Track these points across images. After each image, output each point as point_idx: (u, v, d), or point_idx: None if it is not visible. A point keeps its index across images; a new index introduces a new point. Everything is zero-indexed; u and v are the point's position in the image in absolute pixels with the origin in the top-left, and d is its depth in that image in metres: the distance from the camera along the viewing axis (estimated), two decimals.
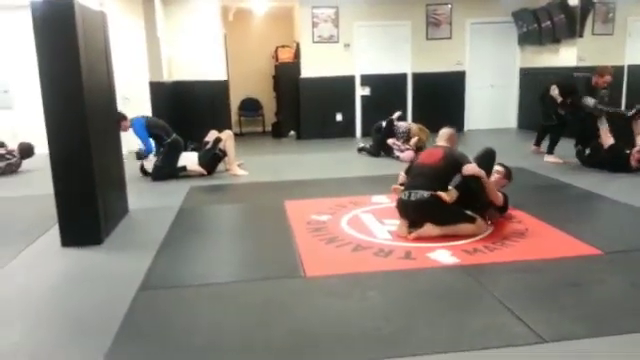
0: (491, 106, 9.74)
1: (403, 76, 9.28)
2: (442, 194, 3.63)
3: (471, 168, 3.72)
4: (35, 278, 3.26)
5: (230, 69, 9.10)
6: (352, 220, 4.18)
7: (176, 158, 6.04)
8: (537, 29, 8.83)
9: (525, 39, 9.28)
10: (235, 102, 9.90)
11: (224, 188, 5.68)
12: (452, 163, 3.79)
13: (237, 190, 5.58)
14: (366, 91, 9.18)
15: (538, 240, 3.64)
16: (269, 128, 10.23)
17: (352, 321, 2.55)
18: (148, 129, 5.93)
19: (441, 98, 9.14)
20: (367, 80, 9.16)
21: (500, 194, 3.98)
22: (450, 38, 9.28)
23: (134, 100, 7.81)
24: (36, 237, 3.96)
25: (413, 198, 3.73)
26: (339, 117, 9.18)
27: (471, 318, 2.54)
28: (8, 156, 6.59)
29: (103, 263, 3.49)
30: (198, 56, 8.51)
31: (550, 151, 6.46)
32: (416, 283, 3.00)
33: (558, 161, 6.29)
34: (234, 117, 9.82)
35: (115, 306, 2.76)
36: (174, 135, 6.09)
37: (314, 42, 8.95)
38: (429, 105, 8.97)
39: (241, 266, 3.47)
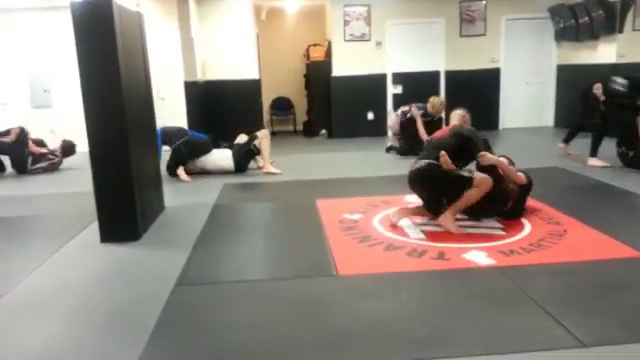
0: (527, 104, 9.53)
1: (436, 74, 9.18)
2: (445, 159, 3.73)
3: (488, 158, 3.88)
4: (75, 272, 3.37)
5: (262, 68, 9.17)
6: (384, 219, 4.16)
7: (177, 161, 6.15)
8: (574, 25, 8.59)
9: (562, 35, 9.05)
10: (267, 101, 9.98)
11: (256, 186, 5.74)
12: (459, 136, 3.97)
13: (269, 188, 5.63)
14: (398, 89, 9.11)
15: (577, 241, 3.55)
16: (300, 127, 10.27)
17: (386, 321, 2.54)
18: (162, 138, 6.07)
19: (475, 96, 8.97)
20: (399, 78, 9.09)
21: (521, 174, 4.09)
22: (484, 35, 9.12)
23: (169, 100, 7.97)
24: (77, 233, 4.09)
25: (414, 168, 3.94)
26: (370, 116, 9.15)
27: (508, 321, 2.50)
28: (51, 156, 6.80)
29: (140, 259, 3.57)
30: (231, 55, 8.61)
31: (593, 154, 6.03)
32: (451, 284, 2.97)
33: (605, 164, 5.88)
34: (265, 116, 9.90)
35: (152, 301, 2.82)
36: (176, 143, 6.19)
37: (346, 40, 8.94)
38: (462, 103, 8.80)
39: (275, 264, 3.49)
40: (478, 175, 3.80)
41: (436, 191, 3.92)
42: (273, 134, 9.74)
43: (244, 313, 2.70)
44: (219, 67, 8.67)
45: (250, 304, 2.81)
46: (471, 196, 3.76)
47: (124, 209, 3.84)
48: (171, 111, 7.90)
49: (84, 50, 3.68)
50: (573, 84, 7.65)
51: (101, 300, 2.96)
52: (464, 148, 3.93)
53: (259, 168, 6.38)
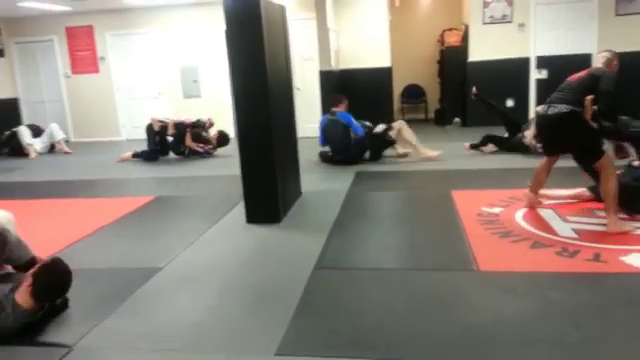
0: None
1: (587, 57, 8.31)
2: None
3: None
4: (224, 250, 3.65)
5: (394, 55, 9.08)
6: (529, 214, 3.91)
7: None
8: None
9: None
10: (397, 89, 9.87)
11: (389, 175, 5.71)
12: (599, 78, 3.46)
13: (402, 177, 5.57)
14: (542, 74, 8.44)
15: None
16: (432, 115, 10.02)
17: (532, 323, 2.39)
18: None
19: (633, 80, 8.02)
20: (544, 62, 8.42)
21: None
22: None
23: (305, 89, 8.26)
24: (225, 213, 4.42)
25: (550, 112, 3.45)
26: (510, 102, 8.60)
27: None
28: (206, 149, 7.39)
29: (282, 241, 3.76)
30: (364, 44, 8.65)
31: None
32: (607, 288, 2.71)
33: None
34: (396, 104, 9.80)
35: (294, 282, 2.96)
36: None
37: (484, 23, 8.49)
38: (619, 87, 7.92)
39: (409, 254, 3.46)
40: (609, 154, 3.36)
41: (568, 144, 3.49)
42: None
43: (381, 301, 2.72)
44: (352, 56, 8.75)
45: (387, 292, 2.81)
46: (609, 188, 3.36)
47: (267, 193, 4.07)
48: (306, 100, 8.19)
49: (234, 43, 3.92)
50: None
51: (247, 278, 3.18)
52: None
53: (399, 156, 6.33)
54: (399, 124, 6.31)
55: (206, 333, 2.49)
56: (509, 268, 3.01)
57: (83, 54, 9.44)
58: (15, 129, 8.50)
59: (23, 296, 2.44)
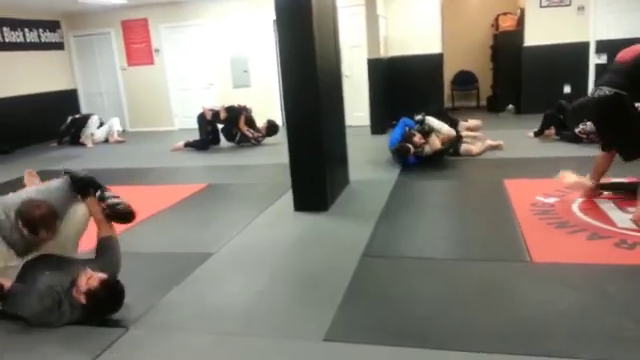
0: None
1: None
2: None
3: None
4: (273, 236, 3.71)
5: (445, 41, 8.87)
6: (586, 205, 3.75)
7: None
8: None
9: None
10: (448, 76, 9.65)
11: (438, 163, 5.59)
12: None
13: (452, 166, 5.46)
14: (602, 59, 8.03)
15: None
16: (483, 102, 9.75)
17: (589, 316, 2.31)
18: None
19: None
20: (605, 46, 7.99)
21: None
22: None
23: (353, 77, 8.21)
24: (273, 200, 4.49)
25: (596, 95, 3.27)
26: (567, 89, 8.25)
27: None
28: (255, 134, 7.50)
29: (329, 228, 3.78)
30: (414, 30, 8.49)
31: None
32: None
33: None
34: (446, 91, 9.60)
35: (341, 269, 2.98)
36: None
37: (542, 6, 8.14)
38: None
39: (459, 244, 3.40)
40: None
41: (611, 132, 3.30)
42: (454, 110, 9.43)
43: (430, 290, 2.69)
44: (401, 42, 8.61)
45: (436, 282, 2.79)
46: None
47: (315, 181, 4.10)
48: (354, 88, 8.14)
49: (284, 32, 3.94)
50: None
51: (296, 264, 3.22)
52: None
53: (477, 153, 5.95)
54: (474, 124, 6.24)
55: (256, 317, 2.55)
56: (564, 260, 2.91)
57: (138, 46, 9.74)
58: (78, 116, 8.92)
59: (79, 300, 2.47)
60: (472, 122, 6.38)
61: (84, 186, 2.88)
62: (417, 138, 5.30)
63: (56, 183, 2.88)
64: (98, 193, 2.91)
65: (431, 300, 2.59)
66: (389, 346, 2.21)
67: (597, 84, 3.47)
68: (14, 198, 2.71)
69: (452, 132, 5.46)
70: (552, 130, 6.25)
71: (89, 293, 2.43)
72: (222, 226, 3.96)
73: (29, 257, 2.66)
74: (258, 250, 3.45)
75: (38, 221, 2.56)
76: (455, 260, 3.09)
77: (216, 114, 7.43)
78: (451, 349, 2.15)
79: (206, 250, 3.43)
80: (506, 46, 8.66)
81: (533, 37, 8.24)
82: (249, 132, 7.44)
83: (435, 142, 5.33)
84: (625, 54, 3.47)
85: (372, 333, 2.32)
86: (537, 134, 6.32)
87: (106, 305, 2.50)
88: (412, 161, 5.39)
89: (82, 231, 2.88)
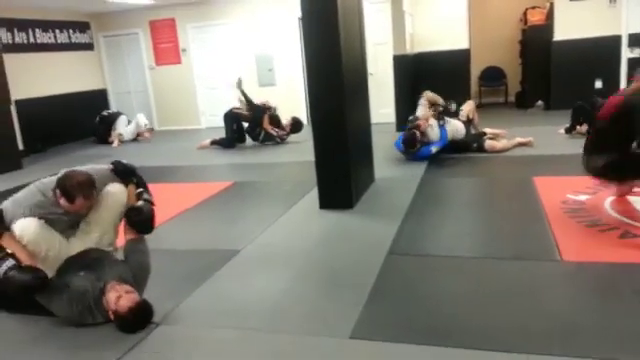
0: None
1: None
2: None
3: None
4: (299, 234, 3.73)
5: (472, 37, 8.75)
6: (618, 202, 3.66)
7: None
8: None
9: None
10: (475, 72, 9.51)
11: (465, 160, 5.55)
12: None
13: (480, 163, 5.40)
14: (635, 53, 7.81)
15: None
16: (512, 98, 9.58)
17: (620, 318, 2.25)
18: None
19: None
20: (637, 40, 7.77)
21: None
22: None
23: (377, 75, 8.17)
24: (299, 198, 4.50)
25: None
26: (598, 84, 8.04)
27: None
28: (280, 132, 7.54)
29: (355, 226, 3.78)
30: (441, 26, 8.40)
31: None
32: None
33: None
34: (473, 87, 9.47)
35: (367, 267, 2.97)
36: None
37: (571, 0, 7.96)
38: None
39: (487, 242, 3.36)
40: None
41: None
42: (481, 106, 9.30)
43: (458, 289, 2.67)
44: (428, 38, 8.53)
45: (463, 281, 2.76)
46: None
47: (341, 178, 4.10)
48: (379, 86, 8.10)
49: (310, 30, 3.94)
50: None
51: (322, 262, 3.23)
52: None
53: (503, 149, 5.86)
54: (469, 104, 6.11)
55: (283, 314, 2.57)
56: (596, 259, 2.85)
57: (166, 46, 9.89)
58: (105, 113, 9.10)
59: (107, 314, 2.49)
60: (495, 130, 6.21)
61: (126, 172, 2.94)
62: (420, 122, 5.31)
63: (98, 165, 2.96)
64: (139, 189, 2.93)
65: (458, 298, 2.56)
66: (415, 344, 2.20)
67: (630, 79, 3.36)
68: (52, 178, 2.73)
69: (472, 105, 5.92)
70: (584, 126, 6.11)
71: (117, 315, 2.44)
72: (248, 224, 4.00)
73: (74, 245, 2.73)
74: (284, 247, 3.47)
75: (75, 186, 2.58)
76: (483, 258, 3.05)
77: (241, 113, 7.51)
78: (478, 348, 2.13)
79: (233, 247, 3.47)
80: (535, 41, 8.49)
81: (563, 31, 8.06)
82: (273, 131, 7.48)
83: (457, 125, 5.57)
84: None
85: (398, 331, 2.32)
86: (568, 131, 6.19)
87: (133, 327, 2.47)
88: (426, 152, 5.39)
89: (120, 210, 2.84)
